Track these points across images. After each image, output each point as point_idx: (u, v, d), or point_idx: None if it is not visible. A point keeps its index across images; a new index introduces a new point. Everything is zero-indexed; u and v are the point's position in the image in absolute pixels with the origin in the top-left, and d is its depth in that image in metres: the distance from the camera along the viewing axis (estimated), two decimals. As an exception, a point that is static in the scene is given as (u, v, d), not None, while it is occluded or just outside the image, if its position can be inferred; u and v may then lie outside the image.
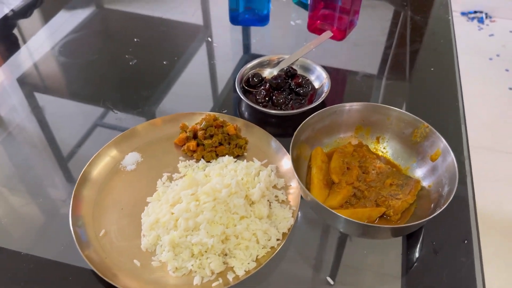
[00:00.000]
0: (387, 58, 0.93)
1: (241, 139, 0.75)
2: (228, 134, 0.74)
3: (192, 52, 0.96)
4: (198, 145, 0.74)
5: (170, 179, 0.70)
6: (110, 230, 0.63)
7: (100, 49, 0.98)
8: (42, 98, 0.86)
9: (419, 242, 0.62)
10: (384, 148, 0.73)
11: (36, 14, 1.14)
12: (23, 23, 1.11)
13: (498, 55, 2.39)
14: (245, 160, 0.71)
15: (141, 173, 0.71)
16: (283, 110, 0.80)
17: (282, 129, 0.80)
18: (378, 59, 0.93)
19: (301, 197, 0.65)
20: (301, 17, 1.04)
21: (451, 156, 0.61)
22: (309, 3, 0.97)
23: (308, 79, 0.85)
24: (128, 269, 0.59)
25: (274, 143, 0.74)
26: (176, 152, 0.74)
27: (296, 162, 0.67)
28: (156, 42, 0.99)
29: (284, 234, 0.61)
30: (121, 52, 0.95)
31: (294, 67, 0.88)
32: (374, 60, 0.93)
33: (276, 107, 0.81)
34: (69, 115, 0.83)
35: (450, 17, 1.03)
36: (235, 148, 0.73)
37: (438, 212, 0.56)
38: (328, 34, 0.90)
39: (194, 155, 0.73)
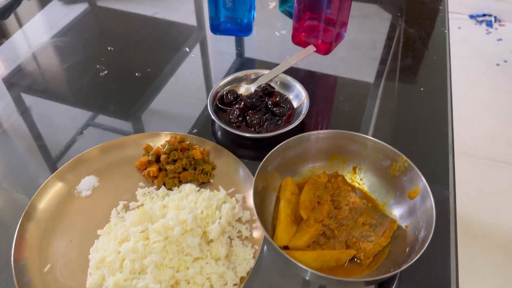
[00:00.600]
0: (374, 76, 0.87)
1: (208, 164, 0.69)
2: (193, 158, 0.69)
3: (167, 63, 0.90)
4: (160, 170, 0.68)
5: (126, 208, 0.65)
6: (57, 265, 0.58)
7: (72, 56, 0.93)
8: None
9: (392, 290, 0.56)
10: (361, 179, 0.67)
11: (13, 16, 1.09)
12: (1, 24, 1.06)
13: (505, 61, 2.30)
14: (208, 190, 0.65)
15: (96, 200, 0.66)
16: (257, 131, 0.75)
17: (256, 152, 0.74)
18: (365, 76, 0.87)
19: (265, 235, 0.59)
20: (286, 27, 0.98)
21: (430, 199, 0.55)
22: (293, 13, 0.90)
23: (286, 98, 0.79)
24: (69, 313, 0.54)
25: (243, 170, 0.68)
26: (136, 176, 0.69)
27: (262, 194, 0.61)
28: (131, 51, 0.94)
29: (242, 278, 0.56)
30: (93, 61, 0.90)
31: (273, 83, 0.82)
32: (360, 78, 0.87)
33: (250, 128, 0.75)
34: (28, 132, 0.78)
35: (446, 31, 0.96)
36: (201, 174, 0.68)
37: (412, 261, 0.51)
38: (310, 49, 0.84)
39: (155, 181, 0.67)
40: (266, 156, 0.61)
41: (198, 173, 0.68)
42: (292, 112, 0.78)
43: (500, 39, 2.47)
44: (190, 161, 0.68)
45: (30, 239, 0.60)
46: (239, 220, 0.63)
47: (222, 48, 0.95)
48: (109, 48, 0.93)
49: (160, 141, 0.73)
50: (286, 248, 0.58)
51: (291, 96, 0.80)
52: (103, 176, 0.69)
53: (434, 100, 0.81)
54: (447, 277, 0.57)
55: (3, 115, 0.80)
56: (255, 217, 0.62)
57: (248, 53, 0.93)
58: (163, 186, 0.67)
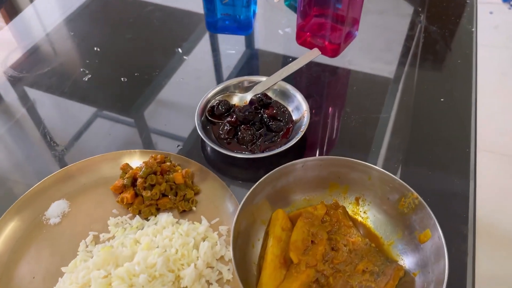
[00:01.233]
0: (388, 84, 0.76)
1: (191, 189, 0.61)
2: (174, 182, 0.61)
3: (156, 66, 0.81)
4: (137, 195, 0.61)
5: (96, 240, 0.57)
6: (15, 306, 0.52)
7: (53, 59, 0.85)
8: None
9: None
10: (364, 212, 0.57)
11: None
12: None
13: (540, 51, 2.13)
14: (187, 222, 0.57)
15: (65, 229, 0.59)
16: (250, 149, 0.66)
17: (247, 172, 0.66)
18: (377, 85, 0.76)
19: (248, 280, 0.51)
20: (291, 24, 0.88)
21: (443, 253, 0.46)
22: (298, 8, 0.80)
23: (285, 110, 0.70)
24: None
25: (229, 198, 0.60)
26: (111, 201, 0.62)
27: (246, 232, 0.53)
28: (118, 53, 0.85)
29: (217, 334, 0.48)
30: (76, 64, 0.82)
31: (271, 92, 0.73)
32: (371, 86, 0.76)
33: (241, 144, 0.67)
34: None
35: (473, 29, 0.84)
36: (182, 201, 0.60)
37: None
38: (315, 52, 0.74)
39: (130, 208, 0.60)
40: (252, 188, 0.52)
41: (179, 200, 0.60)
42: (290, 126, 0.69)
43: (535, 27, 2.28)
44: (171, 185, 0.61)
45: (-12, 275, 0.54)
46: (221, 258, 0.55)
47: (218, 48, 0.86)
48: (95, 48, 0.85)
49: (143, 159, 0.65)
50: (271, 297, 0.50)
51: (290, 108, 0.71)
52: (75, 200, 0.62)
53: (456, 112, 0.70)
54: None
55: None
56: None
57: (246, 55, 0.84)
58: (137, 216, 0.59)
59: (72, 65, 0.82)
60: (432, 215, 0.49)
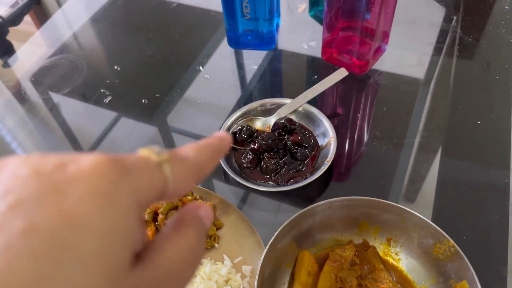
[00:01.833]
0: (419, 105, 0.72)
1: (213, 225, 0.59)
2: (196, 218, 0.59)
3: (177, 86, 0.79)
4: (157, 230, 0.59)
5: (117, 280, 0.56)
6: None
7: (73, 77, 0.84)
8: None
9: None
10: (396, 254, 0.54)
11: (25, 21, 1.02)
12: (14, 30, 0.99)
13: None
14: (209, 262, 0.55)
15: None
16: (273, 179, 0.63)
17: (271, 204, 0.63)
18: (408, 106, 0.72)
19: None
20: (316, 37, 0.84)
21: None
22: (323, 21, 0.76)
23: (310, 135, 0.67)
24: None
25: (252, 234, 0.57)
26: (132, 237, 0.60)
27: (270, 277, 0.51)
28: (139, 71, 0.83)
29: None
30: (95, 84, 0.81)
31: (295, 115, 0.70)
32: (401, 108, 0.72)
33: (264, 174, 0.64)
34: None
35: (513, 39, 0.78)
36: (204, 238, 0.58)
37: None
38: (341, 73, 0.70)
39: (151, 246, 0.58)
40: (276, 234, 0.50)
41: (201, 236, 0.58)
42: (316, 153, 0.66)
43: None
44: (193, 220, 0.58)
45: None
46: (244, 302, 0.53)
47: (240, 65, 0.82)
48: (115, 67, 0.83)
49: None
50: None
51: (316, 132, 0.68)
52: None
53: (495, 137, 0.66)
54: None
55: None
56: (264, 300, 0.52)
57: (270, 72, 0.80)
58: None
59: (93, 86, 0.81)
60: (470, 266, 0.46)
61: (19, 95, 0.81)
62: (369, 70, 0.76)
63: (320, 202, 0.52)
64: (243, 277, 0.55)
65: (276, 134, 0.67)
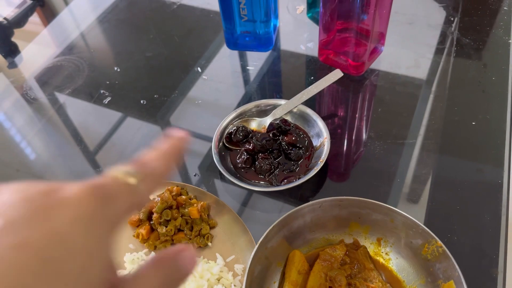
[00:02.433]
0: (415, 106, 0.72)
1: (207, 224, 0.60)
2: (190, 217, 0.60)
3: (176, 87, 0.80)
4: (152, 229, 0.60)
5: (112, 278, 0.57)
6: None
7: (73, 76, 0.85)
8: None
9: None
10: (387, 253, 0.55)
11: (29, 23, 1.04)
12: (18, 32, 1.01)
13: None
14: (202, 261, 0.56)
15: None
16: (267, 179, 0.64)
17: (265, 203, 0.64)
18: (403, 107, 0.72)
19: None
20: (314, 38, 0.85)
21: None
22: (319, 23, 0.76)
23: (304, 136, 0.68)
24: None
25: (245, 233, 0.58)
26: (128, 235, 0.61)
27: (260, 276, 0.51)
28: (138, 73, 0.84)
29: None
30: (95, 85, 0.82)
31: (290, 115, 0.70)
32: (396, 109, 0.72)
33: (258, 174, 0.65)
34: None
35: (510, 40, 0.78)
36: (197, 236, 0.59)
37: None
38: (336, 74, 0.71)
39: (145, 244, 0.59)
40: (265, 233, 0.51)
41: (195, 235, 0.59)
42: (310, 153, 0.66)
43: None
44: (186, 219, 0.60)
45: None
46: (236, 300, 0.54)
47: (238, 66, 0.83)
48: (115, 68, 0.85)
49: (160, 190, 0.64)
50: None
51: (310, 133, 0.68)
52: (92, 234, 0.62)
53: (489, 141, 0.66)
54: None
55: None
56: (254, 299, 0.52)
57: (268, 73, 0.81)
58: (153, 252, 0.58)
59: (93, 86, 0.82)
60: (457, 266, 0.46)
61: (26, 95, 0.82)
62: (366, 71, 0.77)
63: (310, 202, 0.53)
64: (235, 275, 0.55)
65: (270, 134, 0.67)
